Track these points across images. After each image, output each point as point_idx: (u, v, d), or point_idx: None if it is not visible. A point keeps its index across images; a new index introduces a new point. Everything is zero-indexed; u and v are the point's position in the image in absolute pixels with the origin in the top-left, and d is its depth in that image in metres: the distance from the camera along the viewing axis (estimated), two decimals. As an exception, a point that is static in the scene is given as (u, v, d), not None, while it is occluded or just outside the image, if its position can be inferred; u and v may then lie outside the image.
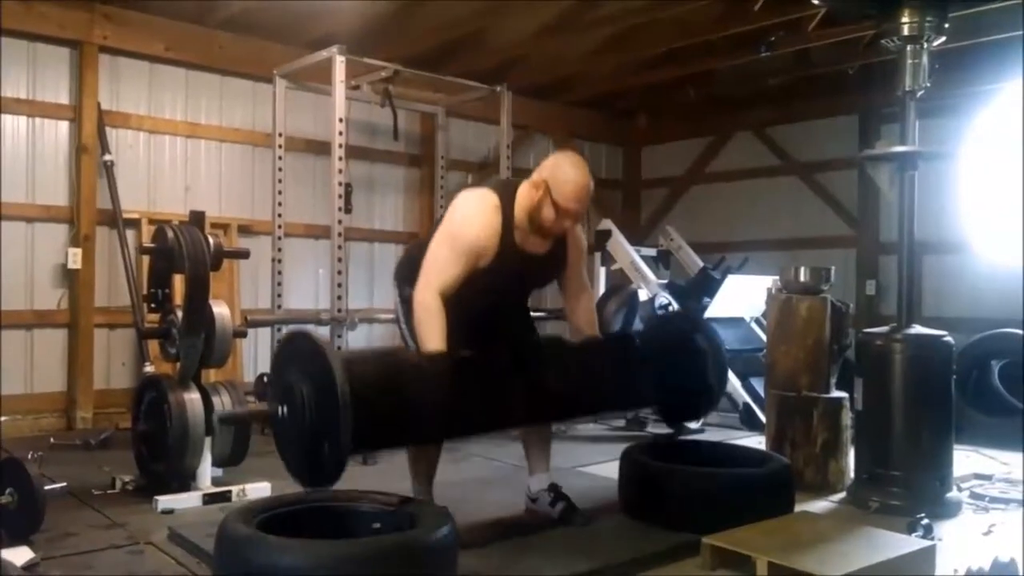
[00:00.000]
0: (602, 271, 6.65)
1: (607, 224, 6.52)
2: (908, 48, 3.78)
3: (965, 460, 4.51)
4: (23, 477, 3.06)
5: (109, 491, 3.80)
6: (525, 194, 3.07)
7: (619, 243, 6.39)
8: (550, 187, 3.01)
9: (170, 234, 3.68)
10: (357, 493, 2.90)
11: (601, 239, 6.49)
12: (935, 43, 3.80)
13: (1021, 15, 5.08)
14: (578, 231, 3.34)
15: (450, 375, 2.84)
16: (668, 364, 3.40)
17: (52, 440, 4.82)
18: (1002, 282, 6.21)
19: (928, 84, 3.81)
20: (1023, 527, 3.39)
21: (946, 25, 3.76)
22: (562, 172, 3.05)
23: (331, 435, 2.51)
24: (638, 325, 6.13)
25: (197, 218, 3.90)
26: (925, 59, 3.79)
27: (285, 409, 2.63)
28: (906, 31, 3.74)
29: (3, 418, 4.64)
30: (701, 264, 6.54)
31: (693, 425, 5.57)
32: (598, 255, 6.61)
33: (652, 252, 6.99)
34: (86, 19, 5.42)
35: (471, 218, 3.05)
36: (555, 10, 5.87)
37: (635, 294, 6.21)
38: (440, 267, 3.01)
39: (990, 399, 5.60)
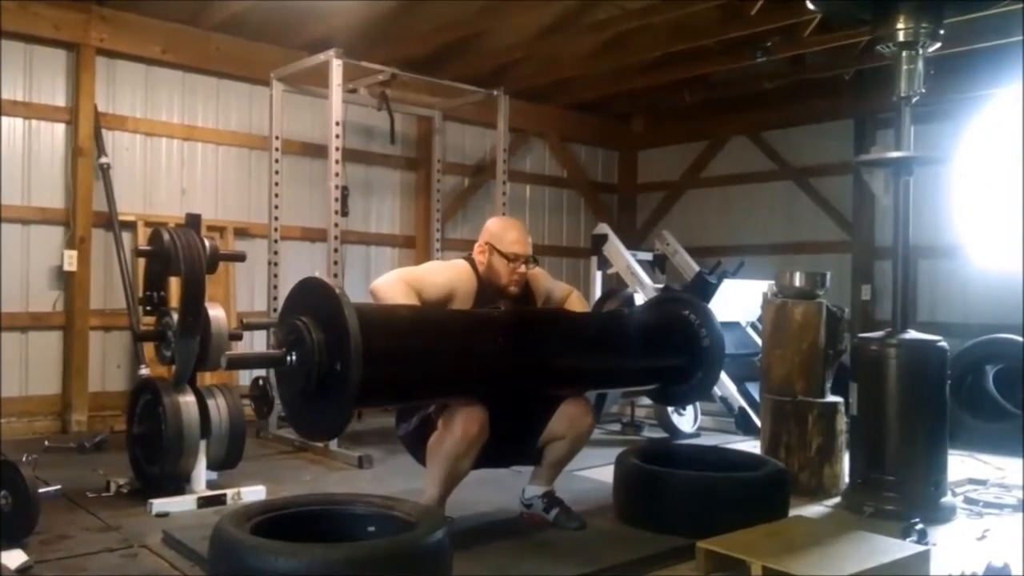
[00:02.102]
0: (598, 275, 6.64)
1: (603, 228, 6.52)
2: (903, 54, 3.79)
3: (960, 465, 4.52)
4: (18, 480, 3.05)
5: (103, 494, 3.79)
6: (480, 252, 3.34)
7: (615, 247, 6.39)
8: (494, 245, 3.30)
9: (166, 237, 3.68)
10: (352, 496, 2.90)
11: (597, 243, 6.48)
12: (930, 49, 3.81)
13: (1013, 22, 5.11)
14: (537, 271, 3.51)
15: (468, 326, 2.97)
16: (665, 341, 3.46)
17: (47, 443, 4.81)
18: (996, 287, 6.23)
19: (923, 90, 3.82)
20: (1023, 530, 3.40)
21: (941, 31, 3.77)
22: (499, 228, 3.37)
23: (339, 383, 2.48)
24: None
25: (193, 221, 3.90)
26: (920, 65, 3.80)
27: (293, 356, 2.58)
28: (901, 37, 3.75)
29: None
30: (697, 268, 6.53)
31: (688, 429, 5.59)
32: (594, 259, 6.62)
33: (648, 256, 6.98)
34: (83, 21, 5.41)
35: (445, 263, 3.47)
36: (552, 13, 5.88)
37: (631, 298, 6.20)
38: (415, 273, 3.19)
39: (985, 404, 5.62)
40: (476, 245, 3.36)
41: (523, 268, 3.34)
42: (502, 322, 3.12)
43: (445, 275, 3.25)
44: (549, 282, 3.60)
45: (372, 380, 2.50)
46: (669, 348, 3.62)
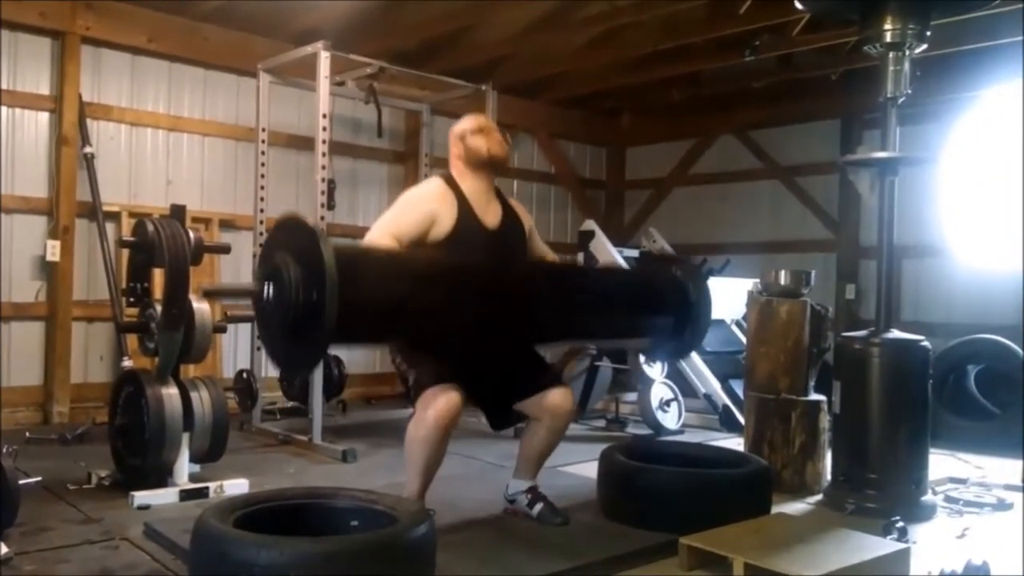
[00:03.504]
0: (584, 271, 6.65)
1: (590, 225, 6.53)
2: (890, 55, 3.80)
3: (941, 464, 4.55)
4: (-3, 471, 3.03)
5: (85, 486, 3.77)
6: (455, 158, 3.36)
7: (602, 244, 6.40)
8: (461, 135, 3.35)
9: (150, 228, 3.65)
10: (336, 490, 2.89)
11: (584, 239, 6.49)
12: (917, 51, 3.83)
13: (999, 24, 5.15)
14: (521, 206, 3.57)
15: (444, 268, 2.96)
16: (655, 294, 3.50)
17: (28, 434, 4.77)
18: (979, 287, 6.28)
19: (909, 91, 3.84)
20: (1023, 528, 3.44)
21: (928, 33, 3.78)
22: (462, 122, 3.41)
23: (314, 318, 2.50)
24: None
25: (178, 212, 3.88)
26: (907, 66, 3.82)
27: (271, 289, 2.61)
28: (888, 38, 3.76)
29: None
30: (683, 266, 6.55)
31: (672, 426, 5.61)
32: (581, 255, 6.62)
33: (635, 253, 6.99)
34: (68, 9, 5.36)
35: (419, 188, 3.45)
36: (541, 9, 5.87)
37: (617, 295, 6.22)
38: (391, 217, 3.21)
39: (966, 403, 5.67)
40: (450, 159, 3.39)
41: (496, 137, 3.35)
42: (485, 268, 3.11)
43: (419, 208, 3.21)
44: (534, 228, 3.58)
45: (347, 317, 2.52)
46: (659, 302, 3.57)
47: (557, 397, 3.28)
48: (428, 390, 3.04)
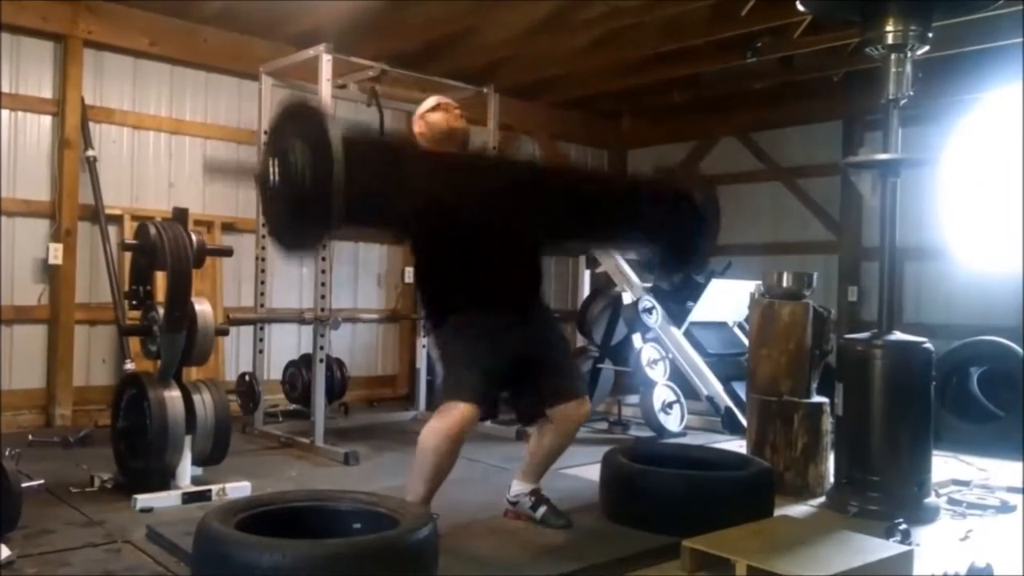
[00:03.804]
0: (586, 273, 6.66)
1: (592, 226, 6.51)
2: (892, 56, 3.80)
3: (944, 466, 4.55)
4: (1, 474, 3.03)
5: (87, 489, 3.77)
6: (419, 137, 3.42)
7: (603, 246, 6.39)
8: (422, 114, 3.43)
9: (152, 231, 3.66)
10: (338, 492, 2.89)
11: (586, 241, 6.49)
12: (919, 52, 3.83)
13: (1001, 25, 5.15)
14: None
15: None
16: (663, 208, 3.55)
17: (31, 437, 4.78)
18: (981, 289, 6.27)
19: (911, 92, 3.84)
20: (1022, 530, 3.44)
21: (930, 34, 3.78)
22: (419, 107, 3.48)
23: (319, 195, 2.53)
24: (622, 329, 6.16)
25: (180, 215, 3.88)
26: (909, 68, 3.81)
27: (277, 169, 2.64)
28: (890, 40, 3.76)
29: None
30: (685, 268, 6.55)
31: (675, 428, 5.61)
32: (582, 258, 6.63)
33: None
34: (70, 12, 5.37)
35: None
36: (542, 11, 5.87)
37: (619, 297, 6.22)
38: None
39: (969, 405, 5.66)
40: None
41: (455, 111, 3.43)
42: (499, 162, 3.16)
43: None
44: None
45: (352, 200, 2.57)
46: (672, 213, 3.61)
47: (572, 406, 3.28)
48: (449, 402, 3.05)
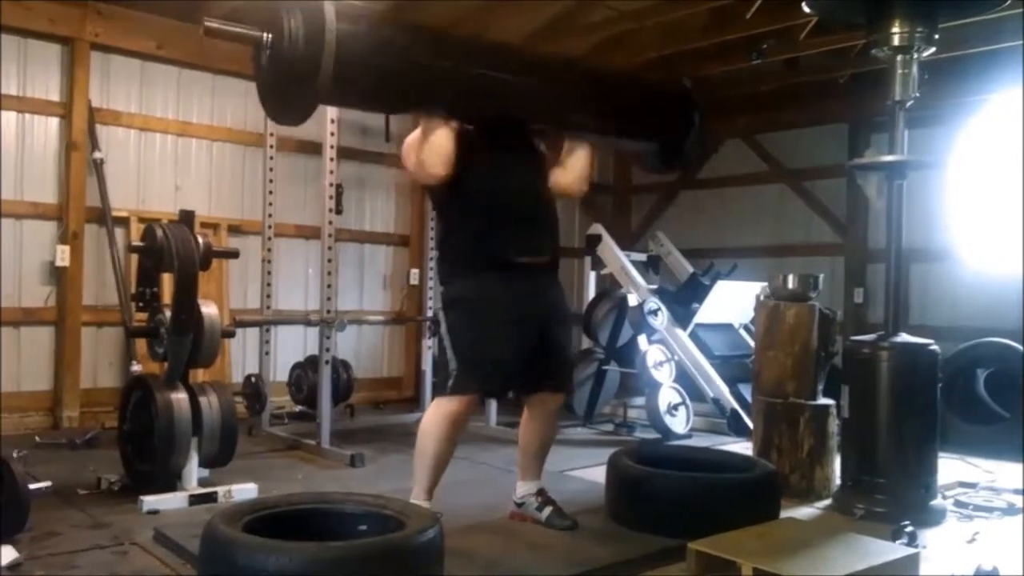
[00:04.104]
0: (592, 275, 6.66)
1: (597, 229, 6.54)
2: (898, 58, 3.80)
3: (950, 468, 4.53)
4: (8, 476, 3.05)
5: (94, 491, 3.79)
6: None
7: (609, 248, 6.41)
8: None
9: (159, 233, 3.68)
10: (344, 495, 2.90)
11: (591, 243, 6.50)
12: (925, 54, 3.82)
13: (1007, 27, 5.13)
14: None
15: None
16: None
17: (38, 439, 4.80)
18: (987, 291, 6.25)
19: (917, 94, 3.83)
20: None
21: (936, 36, 3.78)
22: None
23: (309, 71, 2.70)
24: (627, 331, 6.16)
25: (187, 217, 3.89)
26: (915, 69, 3.81)
27: (269, 36, 2.82)
28: (896, 41, 3.75)
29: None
30: (691, 270, 6.57)
31: (680, 430, 5.60)
32: (588, 259, 6.63)
33: (642, 257, 7.01)
34: (78, 15, 5.39)
35: None
36: (546, 14, 5.88)
37: (624, 299, 6.23)
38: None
39: (976, 407, 5.65)
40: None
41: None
42: (504, 49, 3.42)
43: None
44: None
45: (342, 75, 2.74)
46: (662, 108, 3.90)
47: (548, 394, 3.37)
48: (452, 396, 3.15)
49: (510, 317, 3.15)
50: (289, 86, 2.86)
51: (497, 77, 3.29)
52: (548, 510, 3.37)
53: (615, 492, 3.53)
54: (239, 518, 2.52)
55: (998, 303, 6.08)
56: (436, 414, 3.17)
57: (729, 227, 7.81)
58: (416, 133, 3.21)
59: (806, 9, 4.18)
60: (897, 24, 3.74)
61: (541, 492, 3.42)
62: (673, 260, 6.96)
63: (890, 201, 3.89)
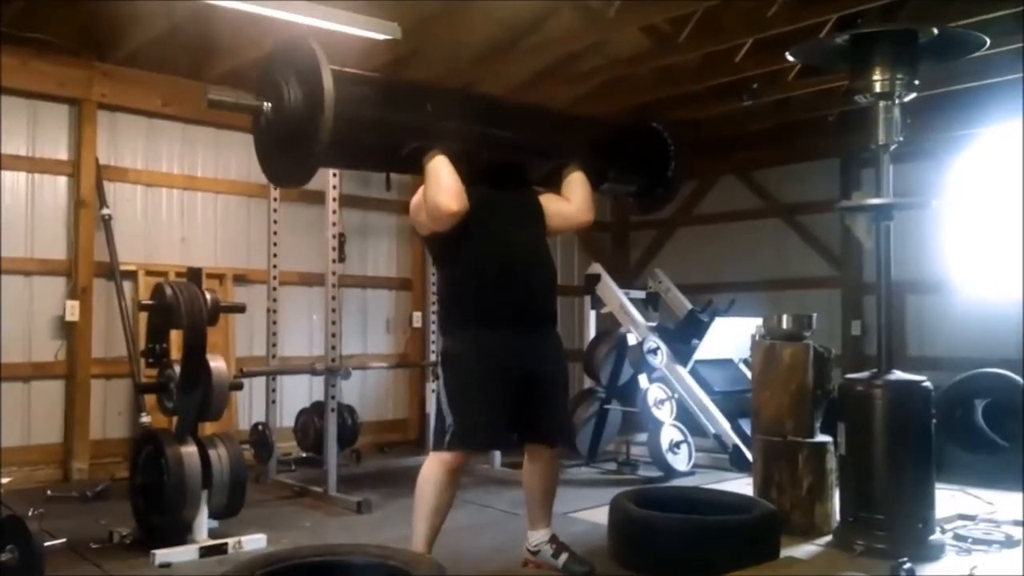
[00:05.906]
0: (592, 315, 6.74)
1: (596, 268, 6.62)
2: (880, 104, 3.87)
3: (950, 500, 4.56)
4: (24, 534, 3.12)
5: (107, 544, 3.85)
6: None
7: (608, 287, 6.49)
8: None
9: (168, 291, 3.78)
10: (352, 547, 2.97)
11: (590, 283, 6.58)
12: (907, 99, 3.91)
13: (991, 65, 5.27)
14: None
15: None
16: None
17: (49, 492, 4.87)
18: (984, 321, 6.32)
19: (901, 138, 3.90)
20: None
21: (916, 82, 3.85)
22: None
23: (308, 137, 2.77)
24: (628, 369, 6.23)
25: (194, 275, 4.00)
26: (897, 113, 3.87)
27: (269, 105, 2.90)
28: (877, 88, 3.82)
29: (3, 480, 4.68)
30: (689, 307, 6.65)
31: (683, 468, 5.65)
32: (588, 299, 6.71)
33: (641, 295, 7.07)
34: (85, 77, 5.55)
35: None
36: (542, 62, 6.03)
37: (624, 338, 6.30)
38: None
39: (975, 437, 5.68)
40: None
41: None
42: (491, 101, 3.56)
43: None
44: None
45: (341, 139, 2.82)
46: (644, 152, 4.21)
47: (538, 447, 3.45)
48: (448, 452, 3.21)
49: (501, 375, 3.20)
50: (289, 151, 2.95)
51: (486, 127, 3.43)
52: (564, 556, 3.42)
53: (617, 535, 3.59)
54: (250, 572, 2.60)
55: (994, 333, 6.15)
56: (432, 469, 3.24)
57: (726, 262, 7.91)
58: (420, 191, 3.26)
59: (790, 58, 4.30)
60: (877, 71, 3.81)
61: (554, 539, 3.47)
62: (672, 297, 7.04)
63: (878, 242, 3.95)
